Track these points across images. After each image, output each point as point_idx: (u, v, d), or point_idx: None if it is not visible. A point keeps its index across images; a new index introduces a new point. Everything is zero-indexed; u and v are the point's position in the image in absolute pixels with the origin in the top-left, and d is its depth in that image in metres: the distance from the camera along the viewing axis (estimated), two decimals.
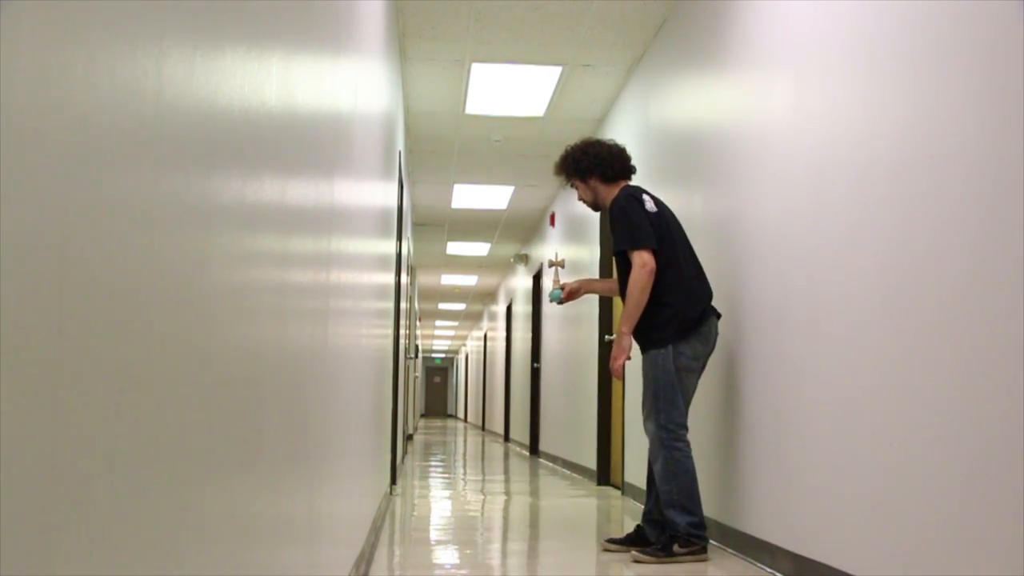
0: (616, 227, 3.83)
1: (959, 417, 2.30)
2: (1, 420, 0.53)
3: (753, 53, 3.87)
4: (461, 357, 33.95)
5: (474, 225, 11.39)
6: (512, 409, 14.23)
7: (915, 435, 2.50)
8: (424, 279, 15.94)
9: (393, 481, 6.37)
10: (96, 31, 0.67)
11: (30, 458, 0.57)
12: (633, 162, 4.13)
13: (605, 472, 6.99)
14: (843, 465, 2.92)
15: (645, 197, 3.87)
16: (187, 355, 0.93)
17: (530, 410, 11.39)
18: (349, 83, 2.60)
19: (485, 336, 20.52)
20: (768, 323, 3.60)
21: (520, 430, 12.82)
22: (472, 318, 23.46)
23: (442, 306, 20.92)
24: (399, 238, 6.24)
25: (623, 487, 6.26)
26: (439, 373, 41.60)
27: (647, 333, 3.82)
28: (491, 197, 9.90)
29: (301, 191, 1.68)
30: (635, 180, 4.20)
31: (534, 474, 8.40)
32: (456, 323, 25.43)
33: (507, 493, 6.69)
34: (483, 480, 7.71)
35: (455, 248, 12.96)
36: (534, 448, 11.19)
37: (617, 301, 6.67)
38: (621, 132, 6.49)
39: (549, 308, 10.08)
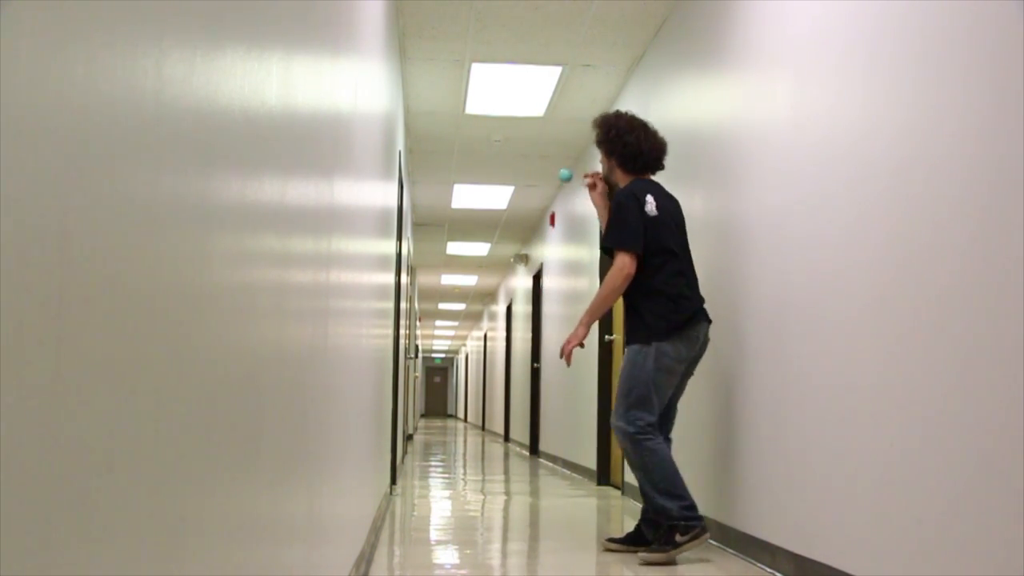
0: (610, 221, 3.86)
1: (959, 416, 2.30)
2: (1, 420, 0.53)
3: (753, 53, 3.87)
4: (461, 357, 33.95)
5: (474, 225, 11.39)
6: (512, 409, 14.23)
7: (915, 434, 2.50)
8: (424, 279, 15.94)
9: (393, 481, 6.37)
10: (96, 31, 0.67)
11: (30, 458, 0.57)
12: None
13: (605, 472, 7.00)
14: (843, 464, 2.92)
15: (648, 198, 3.83)
16: (187, 355, 0.93)
17: (530, 410, 11.39)
18: (349, 83, 2.60)
19: (485, 336, 20.53)
20: (767, 322, 3.60)
21: (520, 430, 12.82)
22: (472, 318, 23.46)
23: (442, 306, 20.92)
24: (399, 238, 6.24)
25: (623, 487, 6.26)
26: (439, 373, 41.60)
27: (633, 329, 3.83)
28: (491, 197, 9.90)
29: (301, 191, 1.68)
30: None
31: (534, 474, 8.40)
32: (456, 323, 25.43)
33: (507, 493, 6.69)
34: (483, 480, 7.71)
35: (455, 248, 12.96)
36: (534, 448, 11.19)
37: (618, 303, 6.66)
38: None
39: (549, 308, 10.08)
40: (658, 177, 4.20)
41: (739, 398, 3.89)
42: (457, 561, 3.69)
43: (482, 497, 6.27)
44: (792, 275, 3.38)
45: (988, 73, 2.24)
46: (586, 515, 5.32)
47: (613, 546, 3.86)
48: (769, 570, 3.45)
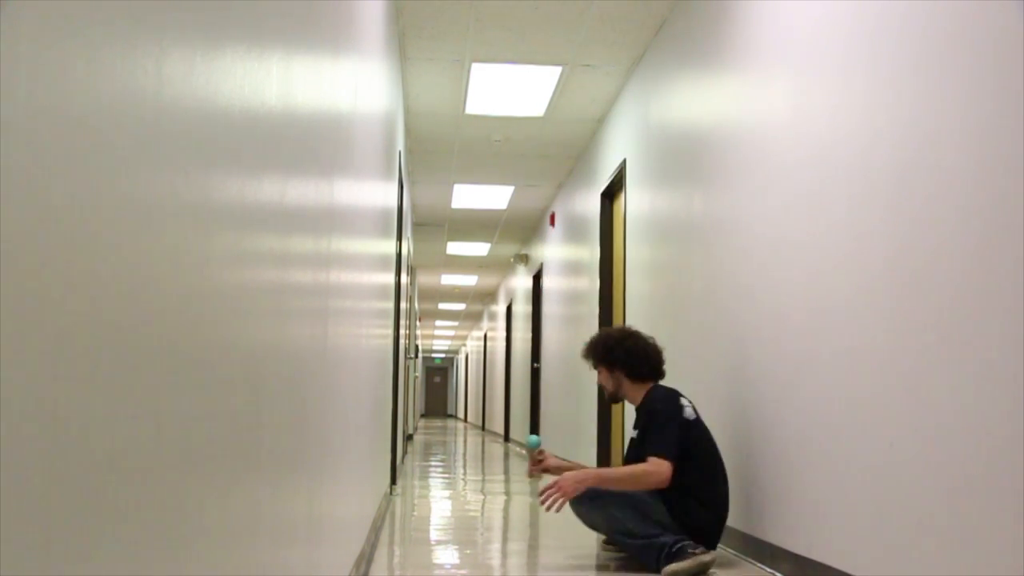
0: (651, 426, 3.65)
1: (960, 417, 2.30)
2: (1, 420, 0.53)
3: (753, 53, 3.87)
4: (461, 357, 33.94)
5: (474, 225, 11.39)
6: (512, 409, 14.23)
7: (915, 435, 2.50)
8: (424, 279, 15.94)
9: (393, 481, 6.37)
10: (96, 31, 0.67)
11: (30, 458, 0.57)
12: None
13: None
14: (843, 465, 2.92)
15: (684, 402, 3.72)
16: (187, 355, 0.93)
17: (530, 410, 11.39)
18: (349, 83, 2.60)
19: (485, 336, 20.52)
20: (767, 323, 3.60)
21: (520, 430, 12.81)
22: (472, 318, 23.46)
23: (442, 306, 20.92)
24: (399, 238, 6.24)
25: None
26: (439, 373, 41.59)
27: (684, 523, 3.58)
28: (491, 197, 9.90)
29: (301, 191, 1.68)
30: (635, 183, 4.18)
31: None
32: (456, 323, 25.43)
33: (507, 493, 6.68)
34: (483, 480, 7.71)
35: (455, 248, 12.96)
36: None
37: (617, 299, 6.67)
38: (621, 132, 6.49)
39: (549, 308, 10.08)
40: (661, 176, 4.14)
41: (739, 399, 3.89)
42: (457, 561, 3.69)
43: (482, 497, 6.27)
44: (791, 275, 3.38)
45: (989, 72, 2.24)
46: None
47: (611, 548, 3.85)
48: (769, 570, 3.45)
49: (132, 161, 0.76)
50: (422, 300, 19.12)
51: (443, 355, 40.11)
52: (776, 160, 3.57)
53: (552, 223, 9.83)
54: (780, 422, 3.44)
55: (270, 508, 1.43)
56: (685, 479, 3.56)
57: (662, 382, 3.91)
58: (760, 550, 3.56)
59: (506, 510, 5.67)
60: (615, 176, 6.58)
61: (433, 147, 8.17)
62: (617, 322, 6.68)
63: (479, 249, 12.97)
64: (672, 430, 3.60)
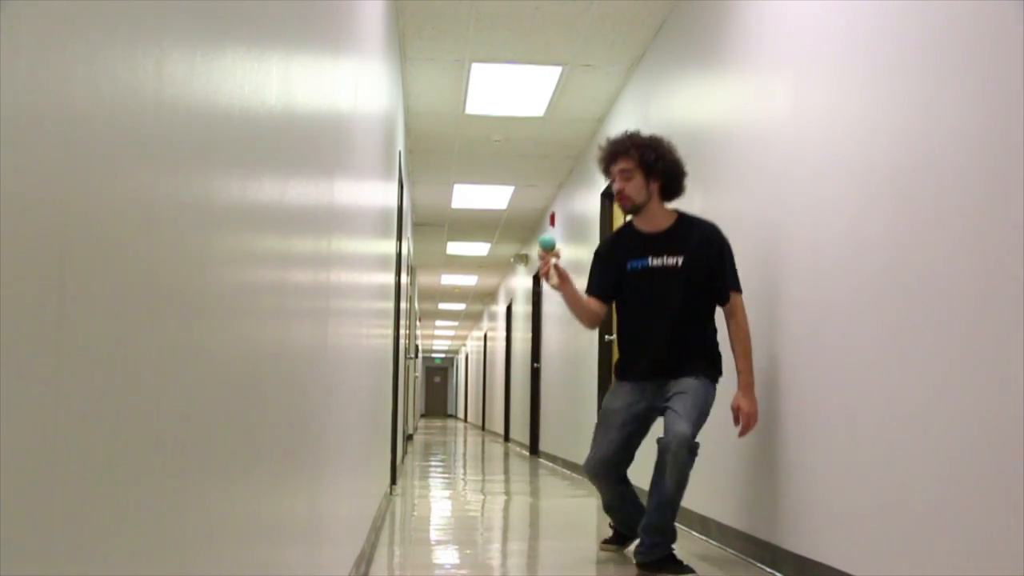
0: (728, 259, 3.58)
1: (960, 417, 2.30)
2: (1, 420, 0.53)
3: (753, 53, 3.87)
4: (461, 357, 33.94)
5: (474, 225, 11.39)
6: (512, 409, 14.23)
7: (916, 435, 2.50)
8: (424, 279, 15.94)
9: (393, 481, 6.37)
10: (96, 31, 0.67)
11: (30, 458, 0.57)
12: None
13: None
14: (843, 465, 2.92)
15: None
16: (187, 355, 0.93)
17: (530, 410, 11.39)
18: (349, 83, 2.60)
19: (485, 336, 20.52)
20: (768, 324, 3.60)
21: (520, 430, 12.82)
22: (472, 318, 23.46)
23: (442, 306, 20.92)
24: (399, 238, 6.24)
25: None
26: (439, 373, 41.59)
27: (712, 361, 3.58)
28: (491, 197, 9.90)
29: (301, 191, 1.68)
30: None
31: (534, 474, 8.40)
32: (456, 323, 25.43)
33: (507, 493, 6.69)
34: (483, 480, 7.71)
35: (455, 248, 12.96)
36: (534, 448, 11.19)
37: None
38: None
39: (549, 308, 10.08)
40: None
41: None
42: (457, 561, 3.69)
43: (482, 497, 6.27)
44: (792, 275, 3.38)
45: (988, 72, 2.24)
46: (586, 515, 5.32)
47: (608, 548, 3.84)
48: (769, 570, 3.45)
49: (132, 161, 0.76)
50: (422, 300, 19.12)
51: (443, 355, 40.11)
52: (776, 159, 3.57)
53: (552, 223, 9.83)
54: (780, 422, 3.44)
55: (270, 508, 1.43)
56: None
57: None
58: (761, 550, 3.56)
59: (506, 510, 5.67)
60: None
61: (433, 147, 8.17)
62: (614, 325, 6.67)
63: (479, 249, 12.97)
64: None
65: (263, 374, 1.34)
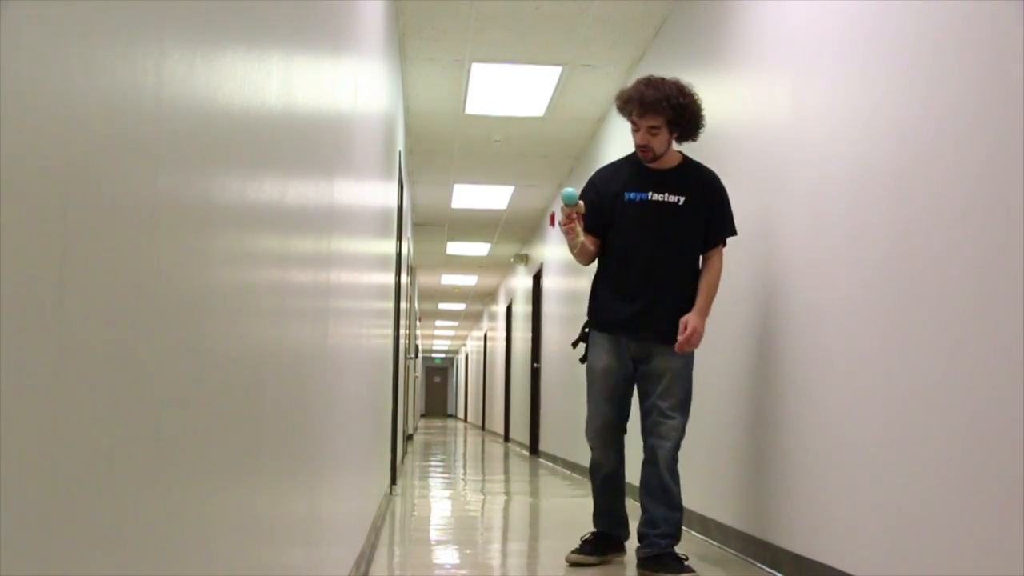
0: (726, 211, 3.56)
1: (960, 417, 2.30)
2: (1, 420, 0.53)
3: (753, 53, 3.87)
4: (461, 357, 33.94)
5: (474, 225, 11.39)
6: (512, 409, 14.23)
7: (916, 434, 2.50)
8: (424, 279, 15.94)
9: (393, 481, 6.37)
10: (96, 31, 0.67)
11: (30, 458, 0.57)
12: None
13: None
14: (843, 465, 2.92)
15: None
16: (187, 355, 0.93)
17: (530, 410, 11.39)
18: (349, 83, 2.60)
19: (485, 336, 20.52)
20: (767, 323, 3.60)
21: (520, 430, 12.81)
22: (472, 318, 23.46)
23: (442, 306, 20.92)
24: (399, 238, 6.24)
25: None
26: (439, 373, 41.59)
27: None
28: (491, 197, 9.90)
29: (301, 191, 1.68)
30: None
31: (534, 474, 8.40)
32: (456, 323, 25.43)
33: (507, 493, 6.69)
34: (483, 480, 7.71)
35: (455, 248, 12.96)
36: (534, 448, 11.19)
37: None
38: (621, 132, 6.49)
39: (549, 308, 10.08)
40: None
41: (739, 400, 3.89)
42: (457, 561, 3.69)
43: (482, 497, 6.27)
44: (792, 275, 3.38)
45: (988, 72, 2.24)
46: (586, 515, 5.32)
47: (577, 558, 3.54)
48: (769, 570, 3.45)
49: (132, 161, 0.76)
50: (422, 300, 19.12)
51: (443, 355, 40.11)
52: (776, 159, 3.57)
53: (552, 223, 9.83)
54: (780, 423, 3.44)
55: (270, 508, 1.43)
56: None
57: None
58: (760, 550, 3.56)
59: (506, 510, 5.67)
60: None
61: (433, 147, 8.17)
62: None
63: (479, 249, 12.97)
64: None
65: (263, 374, 1.34)
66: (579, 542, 3.62)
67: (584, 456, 7.64)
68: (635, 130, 3.53)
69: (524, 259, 12.20)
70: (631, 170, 3.61)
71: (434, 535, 4.43)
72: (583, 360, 3.69)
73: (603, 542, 3.61)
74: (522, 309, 12.52)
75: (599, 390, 3.61)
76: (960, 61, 2.35)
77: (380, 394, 4.67)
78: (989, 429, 2.19)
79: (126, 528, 0.76)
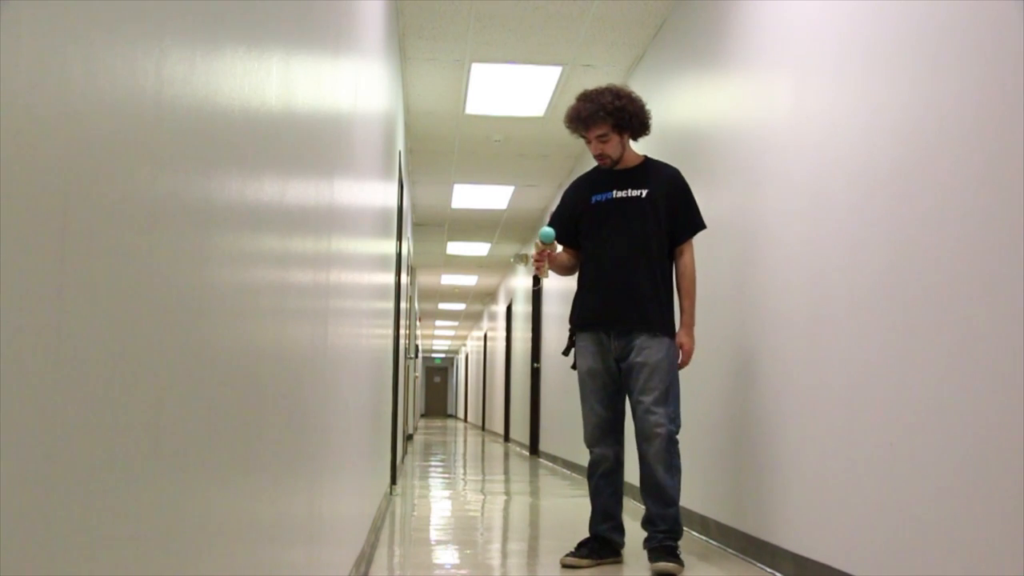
0: (691, 203, 3.69)
1: (960, 417, 2.30)
2: (1, 420, 0.53)
3: (753, 53, 3.87)
4: (461, 357, 33.94)
5: (474, 225, 11.39)
6: (512, 409, 14.23)
7: (915, 435, 2.50)
8: (424, 279, 15.94)
9: (393, 481, 6.37)
10: (96, 31, 0.67)
11: (30, 458, 0.57)
12: None
13: None
14: (843, 465, 2.92)
15: None
16: (187, 355, 0.93)
17: (530, 410, 11.39)
18: (349, 83, 2.60)
19: (485, 336, 20.52)
20: (768, 323, 3.60)
21: (520, 430, 12.81)
22: (472, 318, 23.46)
23: (442, 306, 20.92)
24: (399, 238, 6.24)
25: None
26: (439, 373, 41.59)
27: (666, 320, 3.59)
28: (491, 197, 9.90)
29: (301, 191, 1.68)
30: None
31: (534, 474, 8.40)
32: (456, 323, 25.43)
33: (507, 493, 6.69)
34: (483, 480, 7.71)
35: (455, 248, 12.96)
36: (534, 448, 11.19)
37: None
38: None
39: (549, 308, 10.08)
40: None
41: (739, 399, 3.89)
42: (457, 561, 3.69)
43: (482, 497, 6.27)
44: (792, 275, 3.38)
45: (988, 72, 2.24)
46: (586, 515, 5.32)
47: (571, 561, 3.55)
48: (769, 570, 3.45)
49: (132, 161, 0.76)
50: (422, 300, 19.12)
51: (443, 355, 40.11)
52: (776, 159, 3.57)
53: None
54: (780, 423, 3.44)
55: (270, 508, 1.43)
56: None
57: None
58: (760, 550, 3.57)
59: (506, 510, 5.67)
60: None
61: (433, 147, 8.17)
62: None
63: (479, 249, 12.97)
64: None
65: (263, 374, 1.34)
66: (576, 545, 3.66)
67: (584, 456, 7.65)
68: (588, 143, 3.73)
69: (524, 259, 12.19)
70: (598, 176, 3.79)
71: (434, 535, 4.43)
72: (574, 367, 3.80)
73: (598, 546, 3.64)
74: (522, 309, 12.52)
75: (590, 392, 3.72)
76: (960, 61, 2.35)
77: (380, 394, 4.67)
78: (990, 428, 2.19)
79: (126, 528, 0.76)
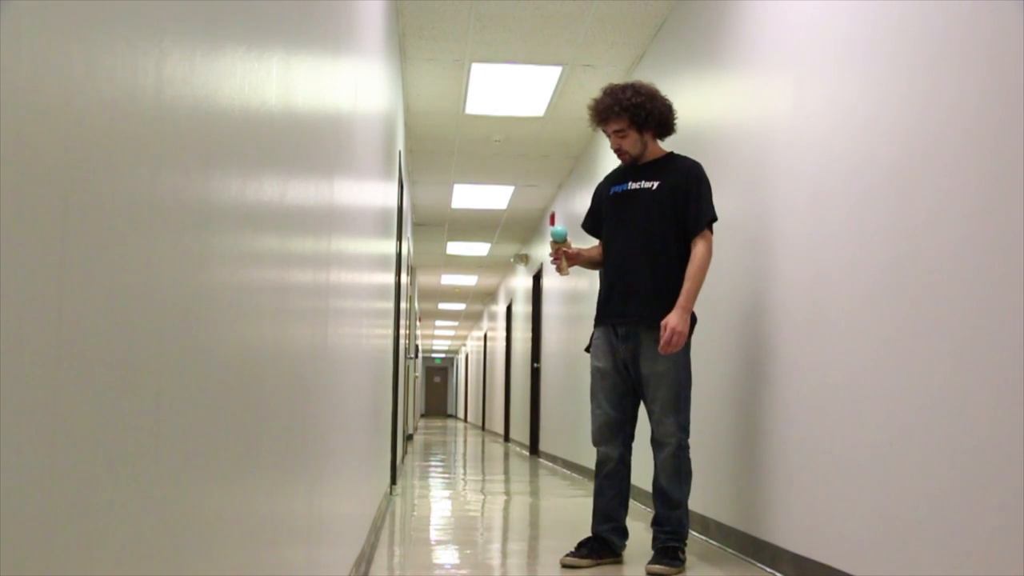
0: (702, 194, 3.61)
1: (960, 417, 2.30)
2: (1, 420, 0.53)
3: (753, 53, 3.87)
4: (461, 357, 33.95)
5: (474, 225, 11.39)
6: (512, 409, 14.23)
7: (915, 435, 2.50)
8: (424, 279, 15.94)
9: (393, 481, 6.37)
10: (96, 31, 0.67)
11: (30, 458, 0.57)
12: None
13: None
14: (843, 465, 2.92)
15: None
16: (187, 355, 0.93)
17: (530, 410, 11.39)
18: (349, 83, 2.60)
19: (485, 336, 20.52)
20: (768, 323, 3.60)
21: (520, 430, 12.81)
22: (472, 318, 23.45)
23: (442, 306, 20.92)
24: (399, 238, 6.24)
25: None
26: (439, 373, 41.60)
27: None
28: (491, 197, 9.90)
29: (301, 191, 1.68)
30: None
31: (534, 474, 8.40)
32: (456, 323, 25.43)
33: (507, 493, 6.69)
34: (483, 480, 7.71)
35: (455, 248, 12.96)
36: (534, 448, 11.19)
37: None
38: None
39: (549, 308, 10.08)
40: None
41: (739, 399, 3.89)
42: (457, 561, 3.69)
43: (482, 497, 6.27)
44: (792, 275, 3.38)
45: (987, 71, 2.24)
46: (586, 515, 5.32)
47: (571, 561, 3.56)
48: (769, 570, 3.45)
49: (132, 161, 0.76)
50: (422, 300, 19.12)
51: (443, 355, 40.11)
52: (776, 158, 3.57)
53: (552, 223, 9.83)
54: (780, 423, 3.44)
55: (270, 508, 1.43)
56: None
57: None
58: (760, 550, 3.57)
59: (506, 510, 5.67)
60: None
61: (433, 147, 8.17)
62: None
63: (479, 249, 12.97)
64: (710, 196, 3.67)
65: (263, 374, 1.34)
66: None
67: (584, 456, 7.65)
68: (608, 137, 3.77)
69: (524, 259, 12.20)
70: (624, 169, 3.84)
71: (434, 535, 4.43)
72: (587, 349, 3.88)
73: (598, 546, 3.64)
74: (522, 309, 12.52)
75: (598, 390, 3.76)
76: (960, 60, 2.35)
77: (380, 394, 4.67)
78: (990, 428, 2.19)
79: (126, 528, 0.76)
